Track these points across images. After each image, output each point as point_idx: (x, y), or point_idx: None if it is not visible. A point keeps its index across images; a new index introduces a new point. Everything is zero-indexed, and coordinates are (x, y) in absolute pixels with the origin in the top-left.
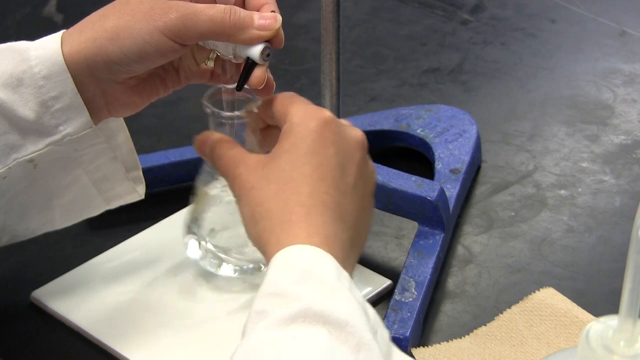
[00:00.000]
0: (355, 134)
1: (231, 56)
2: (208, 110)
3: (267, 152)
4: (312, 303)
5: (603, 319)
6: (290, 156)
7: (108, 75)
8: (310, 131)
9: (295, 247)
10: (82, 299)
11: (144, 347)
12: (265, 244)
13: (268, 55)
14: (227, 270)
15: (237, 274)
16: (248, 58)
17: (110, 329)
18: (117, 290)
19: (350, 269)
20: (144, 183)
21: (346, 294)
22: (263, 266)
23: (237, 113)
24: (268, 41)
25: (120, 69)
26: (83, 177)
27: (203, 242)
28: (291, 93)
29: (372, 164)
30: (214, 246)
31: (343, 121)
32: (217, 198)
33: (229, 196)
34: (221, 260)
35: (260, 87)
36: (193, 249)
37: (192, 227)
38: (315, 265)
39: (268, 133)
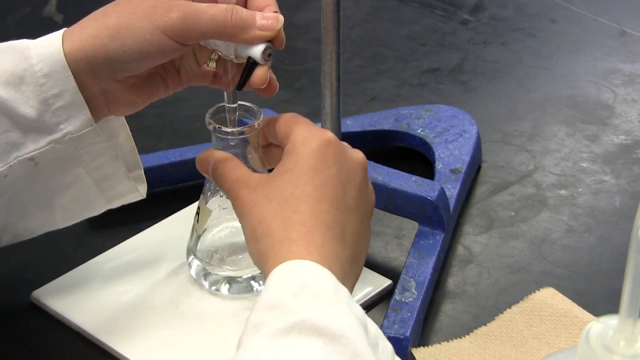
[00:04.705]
0: (356, 156)
1: (232, 56)
2: (211, 127)
3: (269, 169)
4: (309, 315)
5: (603, 319)
6: (292, 175)
7: (108, 73)
8: (312, 151)
9: (294, 262)
10: (82, 299)
11: (143, 347)
12: (265, 261)
13: (269, 55)
14: (220, 284)
15: (233, 291)
16: (249, 58)
17: (110, 328)
18: (117, 290)
19: (349, 288)
20: (146, 182)
21: (343, 308)
22: (253, 279)
23: (239, 129)
24: (270, 41)
25: (120, 67)
26: (84, 176)
27: (202, 261)
28: (294, 114)
29: (371, 187)
30: (211, 262)
31: (344, 143)
32: (216, 215)
33: (228, 214)
34: (218, 277)
35: (262, 87)
36: (194, 269)
37: (193, 246)
38: (313, 279)
39: (270, 150)
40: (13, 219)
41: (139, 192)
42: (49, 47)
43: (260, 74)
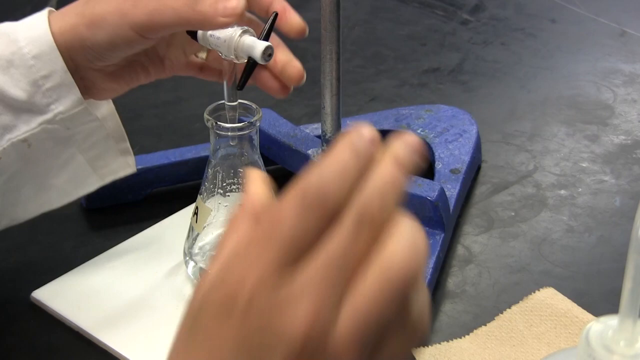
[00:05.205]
0: (292, 319)
1: (233, 56)
2: (209, 124)
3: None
4: None
5: (603, 319)
6: (179, 336)
7: (84, 62)
8: (212, 303)
9: None
10: (82, 299)
11: (144, 347)
12: None
13: (270, 55)
14: None
15: None
16: (249, 58)
17: (110, 329)
18: (117, 290)
19: None
20: (133, 154)
21: None
22: None
23: (237, 125)
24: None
25: (95, 56)
26: (77, 156)
27: (198, 261)
28: (256, 177)
29: None
30: (206, 260)
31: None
32: (215, 213)
33: (227, 212)
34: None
35: (300, 34)
36: (191, 269)
37: (190, 247)
38: None
39: None
40: (9, 202)
41: (130, 166)
42: (37, 29)
43: (296, 67)
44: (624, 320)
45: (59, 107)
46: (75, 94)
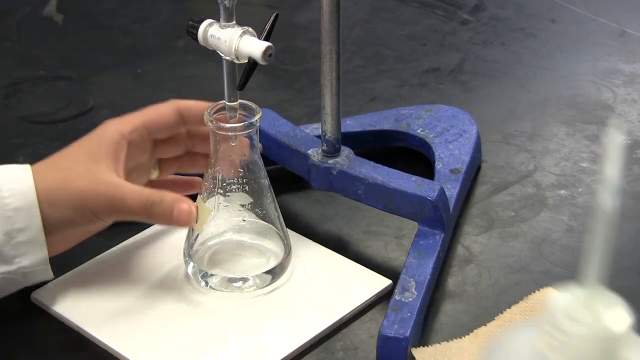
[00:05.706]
0: None
1: (233, 56)
2: (210, 125)
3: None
4: None
5: (567, 288)
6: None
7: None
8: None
9: None
10: (82, 299)
11: (144, 347)
12: None
13: (270, 55)
14: (217, 284)
15: (227, 288)
16: (250, 58)
17: (110, 329)
18: (117, 290)
19: None
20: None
21: None
22: (251, 279)
23: (237, 125)
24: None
25: (51, 229)
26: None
27: (197, 261)
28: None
29: None
30: (206, 260)
31: None
32: (213, 214)
33: (226, 213)
34: (213, 277)
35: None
36: (191, 269)
37: (190, 247)
38: None
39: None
40: None
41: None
42: (22, 183)
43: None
44: (587, 290)
45: (23, 262)
46: (42, 252)
